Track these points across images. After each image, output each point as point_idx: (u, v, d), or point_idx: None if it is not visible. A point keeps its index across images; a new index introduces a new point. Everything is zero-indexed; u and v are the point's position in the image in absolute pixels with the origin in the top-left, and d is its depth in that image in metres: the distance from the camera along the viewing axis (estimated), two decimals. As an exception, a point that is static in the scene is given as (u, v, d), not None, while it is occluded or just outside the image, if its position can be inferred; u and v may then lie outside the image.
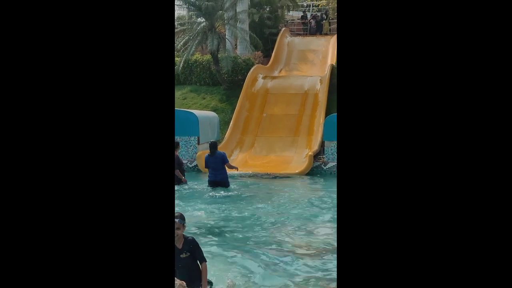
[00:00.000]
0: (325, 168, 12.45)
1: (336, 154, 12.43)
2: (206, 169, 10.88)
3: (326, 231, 6.76)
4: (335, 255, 5.47)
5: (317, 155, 12.78)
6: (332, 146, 12.51)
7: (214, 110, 16.26)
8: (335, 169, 12.29)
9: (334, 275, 4.89)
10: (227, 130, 14.70)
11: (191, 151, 12.95)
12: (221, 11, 17.85)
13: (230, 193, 9.37)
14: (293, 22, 24.68)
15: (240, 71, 17.87)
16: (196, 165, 12.51)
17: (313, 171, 12.18)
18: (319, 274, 4.95)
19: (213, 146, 9.77)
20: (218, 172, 9.67)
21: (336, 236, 6.20)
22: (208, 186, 9.77)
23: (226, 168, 9.79)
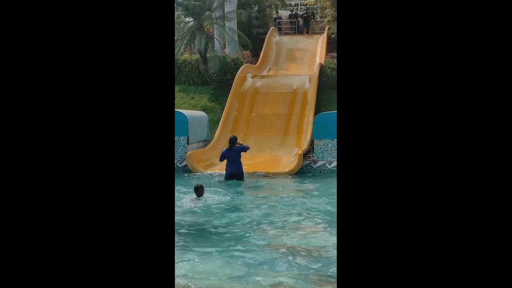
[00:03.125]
0: (314, 166, 12.48)
1: (325, 153, 12.47)
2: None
3: (318, 230, 6.78)
4: (328, 254, 5.50)
5: (306, 154, 12.80)
6: (321, 145, 12.54)
7: (203, 110, 16.24)
8: (325, 167, 12.33)
9: (327, 273, 4.90)
10: (216, 130, 14.68)
11: (180, 151, 12.92)
12: (208, 12, 17.82)
13: (218, 192, 9.36)
14: (281, 21, 24.71)
15: (229, 70, 17.86)
16: (186, 165, 12.48)
17: (302, 170, 12.20)
18: (312, 272, 4.97)
19: (232, 141, 10.69)
20: (234, 165, 10.58)
21: (328, 234, 6.24)
22: (224, 179, 10.63)
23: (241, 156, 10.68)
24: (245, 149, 10.85)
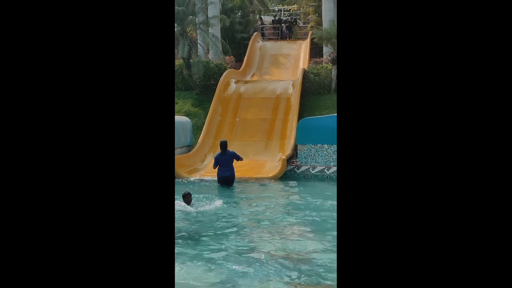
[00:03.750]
0: (298, 171, 12.52)
1: (308, 158, 12.52)
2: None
3: (302, 234, 6.79)
4: (317, 258, 5.51)
5: (290, 159, 12.84)
6: (305, 150, 12.59)
7: (187, 115, 16.19)
8: (308, 172, 12.39)
9: (318, 277, 4.91)
10: (200, 135, 14.65)
11: (164, 156, 12.85)
12: (191, 16, 17.81)
13: (206, 198, 9.33)
14: (264, 27, 24.78)
15: (212, 75, 17.85)
16: (169, 171, 12.43)
17: (286, 175, 12.23)
18: (301, 277, 4.98)
19: (224, 145, 10.89)
20: (227, 169, 10.78)
21: (317, 239, 6.24)
22: (217, 183, 10.83)
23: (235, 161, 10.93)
24: (238, 158, 11.00)
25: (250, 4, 24.12)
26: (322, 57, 19.43)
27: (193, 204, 8.47)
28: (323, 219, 7.59)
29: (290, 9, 27.12)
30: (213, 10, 19.54)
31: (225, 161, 10.81)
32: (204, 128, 14.86)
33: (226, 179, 10.76)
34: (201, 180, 11.76)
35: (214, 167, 10.95)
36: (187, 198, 8.41)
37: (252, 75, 19.40)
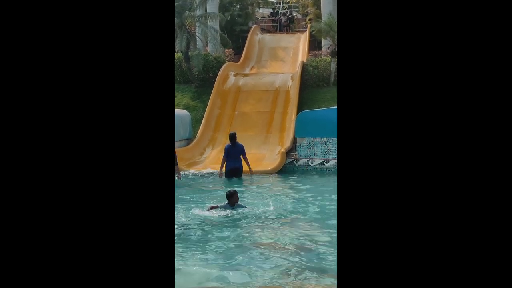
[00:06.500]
0: (297, 164, 12.53)
1: (308, 151, 12.53)
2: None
3: (300, 227, 6.81)
4: (314, 250, 5.53)
5: (289, 152, 12.85)
6: (304, 143, 12.60)
7: (186, 108, 16.17)
8: (307, 165, 12.40)
9: (322, 268, 4.93)
10: (199, 128, 14.65)
11: (163, 149, 12.85)
12: (190, 10, 17.74)
13: (204, 190, 9.34)
14: (263, 19, 24.71)
15: (211, 68, 17.81)
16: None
17: (285, 168, 12.24)
18: (298, 268, 4.99)
19: (233, 137, 11.01)
20: (237, 160, 10.93)
21: (312, 233, 6.27)
22: (225, 176, 10.83)
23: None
24: (244, 154, 11.07)
25: (249, -3, 24.03)
26: (321, 49, 19.38)
27: (238, 206, 7.36)
28: (323, 211, 7.61)
29: (288, 2, 27.01)
30: (212, 5, 19.46)
31: (235, 153, 10.92)
32: (203, 121, 14.85)
33: (235, 171, 10.84)
34: (199, 173, 11.78)
35: (225, 157, 11.00)
36: (235, 198, 7.27)
37: (251, 68, 19.37)
